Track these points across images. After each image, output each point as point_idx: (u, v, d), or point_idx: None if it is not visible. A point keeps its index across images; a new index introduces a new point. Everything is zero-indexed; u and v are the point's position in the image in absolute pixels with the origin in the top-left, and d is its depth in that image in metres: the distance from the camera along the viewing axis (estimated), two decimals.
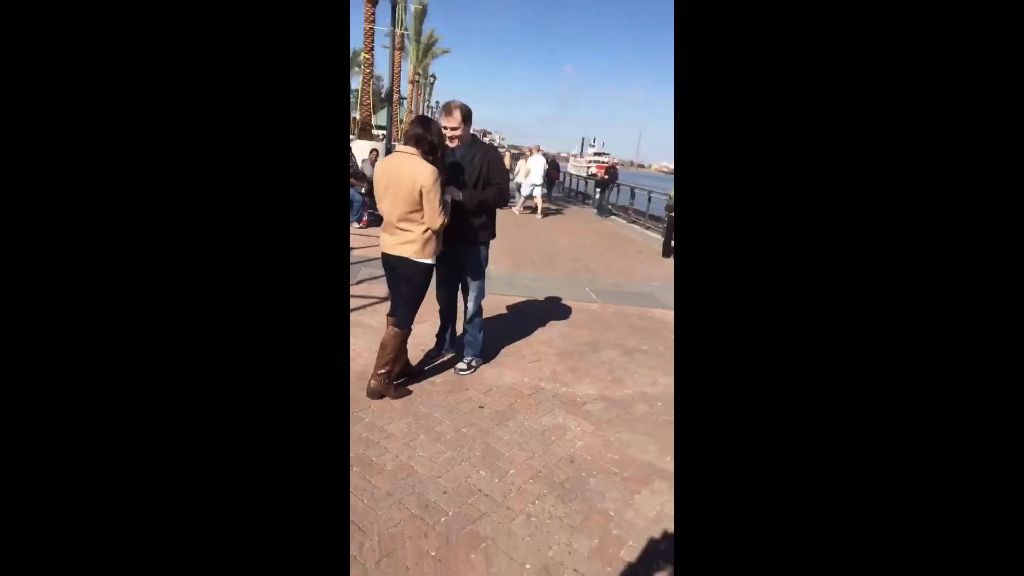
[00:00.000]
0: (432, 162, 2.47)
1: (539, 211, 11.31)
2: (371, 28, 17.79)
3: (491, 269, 5.60)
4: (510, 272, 5.71)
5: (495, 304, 4.45)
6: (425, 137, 2.47)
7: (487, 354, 3.28)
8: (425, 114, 2.90)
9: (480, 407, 2.71)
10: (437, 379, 2.98)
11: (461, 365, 3.09)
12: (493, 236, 2.98)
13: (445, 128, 2.74)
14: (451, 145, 2.77)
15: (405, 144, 2.51)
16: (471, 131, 2.90)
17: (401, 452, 2.23)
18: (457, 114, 2.71)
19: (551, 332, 3.99)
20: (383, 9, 17.49)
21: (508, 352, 3.48)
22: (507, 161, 12.04)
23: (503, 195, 2.88)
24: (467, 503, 1.96)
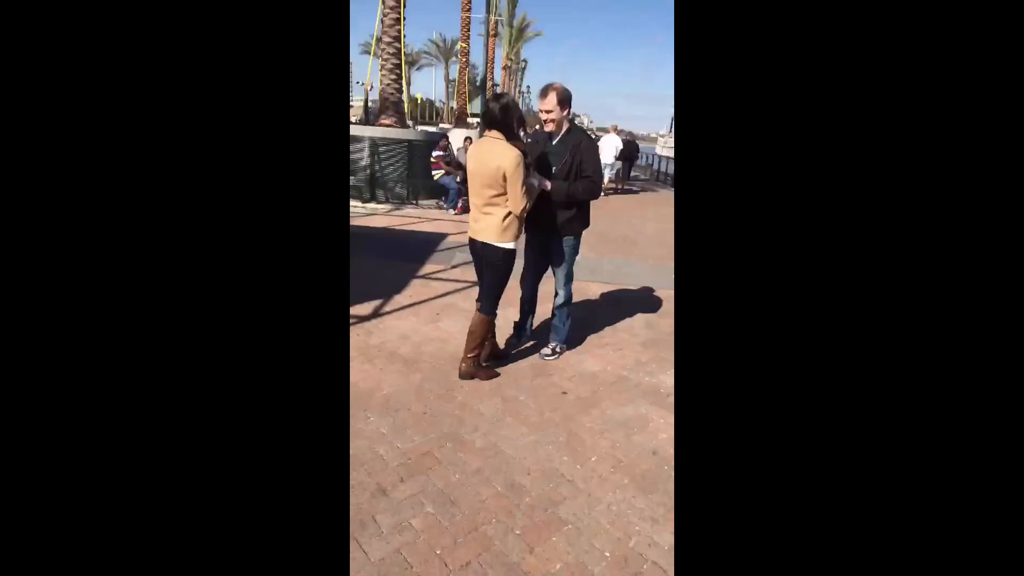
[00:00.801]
0: (517, 145, 2.45)
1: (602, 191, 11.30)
2: (467, 17, 18.13)
3: (601, 259, 5.63)
4: (595, 258, 5.67)
5: (579, 290, 4.46)
6: (502, 116, 2.44)
7: (572, 342, 3.33)
8: (507, 95, 2.78)
9: (564, 393, 2.78)
10: (523, 363, 3.08)
11: (546, 350, 3.16)
12: (586, 226, 2.95)
13: (540, 111, 2.71)
14: (547, 129, 2.73)
15: (488, 127, 2.52)
16: (568, 115, 2.75)
17: (489, 432, 2.37)
18: (552, 96, 2.61)
19: (636, 320, 3.94)
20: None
21: (592, 340, 3.50)
22: None
23: (594, 189, 2.78)
24: (550, 486, 2.04)
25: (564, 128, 2.75)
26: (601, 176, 2.84)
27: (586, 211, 2.92)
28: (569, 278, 3.05)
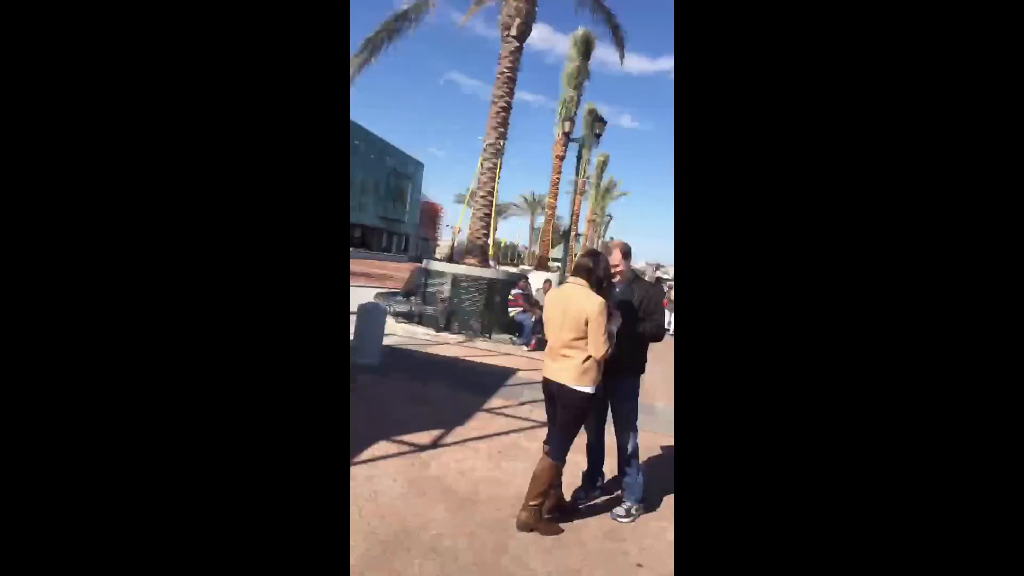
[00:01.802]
0: (600, 294, 2.53)
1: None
2: (557, 178, 20.12)
3: (653, 404, 5.27)
4: (666, 407, 5.24)
5: (656, 443, 4.06)
6: (593, 270, 2.57)
7: (647, 501, 2.92)
8: (596, 248, 3.05)
9: (639, 565, 2.35)
10: (592, 521, 2.71)
11: (619, 511, 2.78)
12: (643, 370, 2.91)
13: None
14: (615, 280, 2.85)
15: (575, 275, 2.62)
16: (631, 267, 3.01)
17: None
18: (616, 252, 2.85)
19: None
20: (569, 161, 19.79)
21: (669, 502, 3.05)
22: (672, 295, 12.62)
23: (659, 330, 2.87)
24: None
25: (629, 278, 2.94)
26: (664, 320, 2.96)
27: (645, 353, 2.92)
28: (634, 426, 2.83)
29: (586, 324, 2.44)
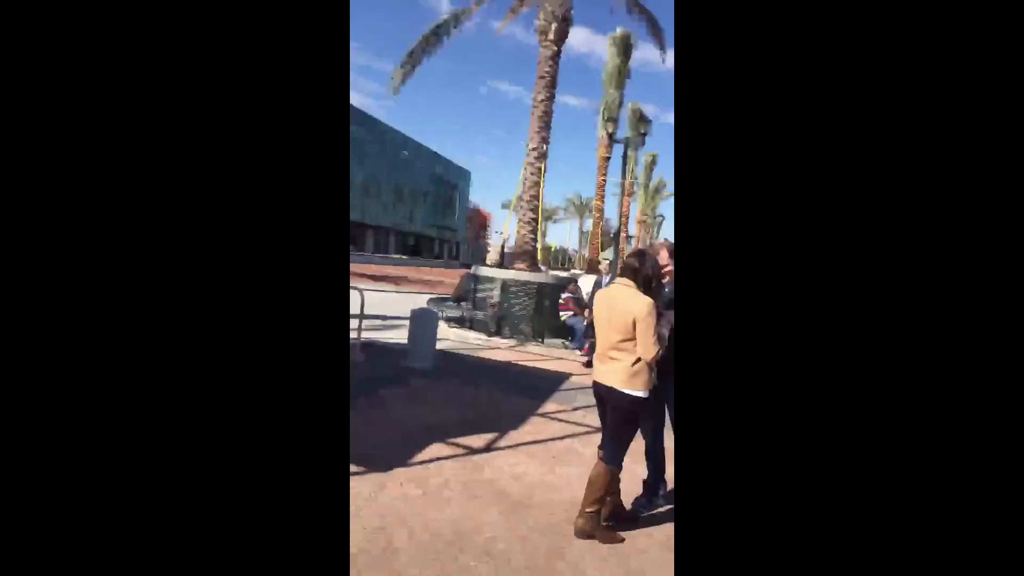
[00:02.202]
0: (648, 294, 2.43)
1: None
2: (603, 180, 19.87)
3: None
4: None
5: None
6: (640, 270, 2.48)
7: None
8: (642, 248, 2.97)
9: None
10: (655, 531, 2.59)
11: None
12: None
13: None
14: (664, 281, 2.75)
15: (621, 276, 2.54)
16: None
17: None
18: (664, 252, 2.78)
19: None
20: (615, 162, 19.50)
21: None
22: None
23: None
24: None
25: (674, 277, 2.82)
26: None
27: None
28: None
29: (634, 325, 2.37)
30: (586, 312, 8.13)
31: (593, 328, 2.74)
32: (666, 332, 2.51)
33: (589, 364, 6.22)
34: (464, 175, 46.87)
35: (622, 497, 2.67)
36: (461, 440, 3.47)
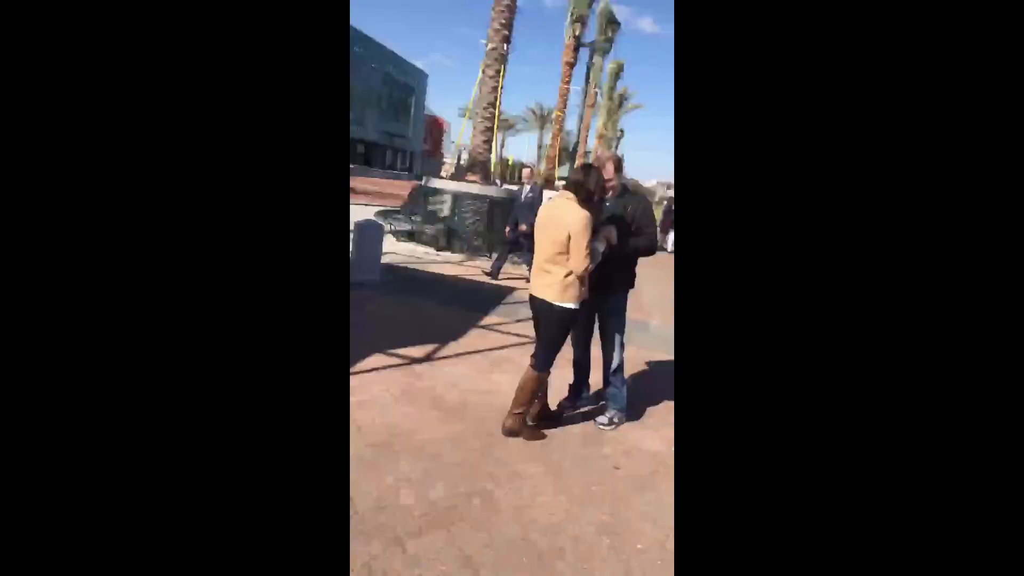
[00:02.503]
0: (588, 209, 2.47)
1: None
2: (566, 88, 19.06)
3: (647, 321, 5.36)
4: (669, 327, 5.33)
5: (644, 358, 4.17)
6: (583, 184, 2.49)
7: (631, 412, 3.05)
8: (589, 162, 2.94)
9: (616, 468, 2.50)
10: (575, 429, 2.85)
11: (602, 419, 2.92)
12: (632, 286, 2.91)
13: None
14: (608, 194, 2.79)
15: (565, 189, 2.55)
16: (623, 181, 2.96)
17: (525, 496, 2.15)
18: (609, 165, 2.78)
19: None
20: (578, 69, 18.63)
21: (653, 413, 3.19)
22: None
23: (653, 244, 2.84)
24: (584, 568, 1.78)
25: (619, 191, 2.88)
26: (656, 234, 2.91)
27: (633, 272, 2.90)
28: (621, 340, 2.89)
29: (569, 239, 2.41)
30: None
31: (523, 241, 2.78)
32: (601, 247, 2.58)
33: (489, 274, 6.39)
34: (420, 77, 43.64)
35: (550, 400, 2.89)
36: (401, 351, 3.59)
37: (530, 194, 6.62)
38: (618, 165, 2.83)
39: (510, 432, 2.63)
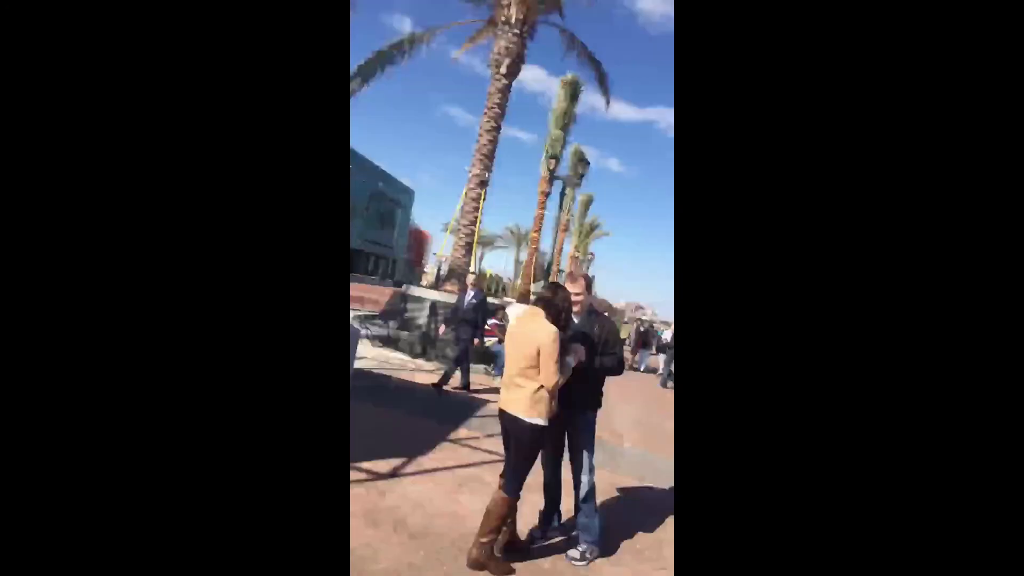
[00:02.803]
0: (555, 323, 2.50)
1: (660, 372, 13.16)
2: (541, 213, 20.42)
3: (619, 446, 5.21)
4: (641, 451, 5.21)
5: (615, 484, 4.01)
6: (551, 300, 2.55)
7: (603, 544, 2.87)
8: (556, 280, 3.07)
9: None
10: (545, 563, 2.64)
11: (574, 553, 2.72)
12: (600, 405, 2.89)
13: (571, 293, 2.82)
14: (575, 310, 2.84)
15: (535, 304, 2.62)
16: (591, 300, 3.10)
17: None
18: (581, 282, 2.90)
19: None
20: (553, 199, 20.16)
21: (627, 547, 3.00)
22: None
23: (620, 363, 2.92)
24: None
25: (587, 309, 2.95)
26: (622, 354, 3.04)
27: (600, 391, 2.91)
28: (590, 464, 2.78)
29: (538, 354, 2.42)
30: None
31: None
32: (572, 362, 2.59)
33: (437, 386, 6.13)
34: (408, 193, 46.21)
35: (520, 527, 2.71)
36: (367, 464, 3.39)
37: (473, 300, 6.72)
38: (588, 284, 2.98)
39: (476, 564, 2.42)
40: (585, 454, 2.78)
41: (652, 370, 13.31)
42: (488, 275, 34.51)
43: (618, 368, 2.87)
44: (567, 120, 19.78)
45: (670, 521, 3.51)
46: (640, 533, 3.22)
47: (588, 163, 18.15)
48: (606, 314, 3.41)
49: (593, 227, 38.20)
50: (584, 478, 2.77)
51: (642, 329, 15.46)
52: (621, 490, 3.98)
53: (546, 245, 20.53)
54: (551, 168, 19.71)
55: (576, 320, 2.87)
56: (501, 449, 4.09)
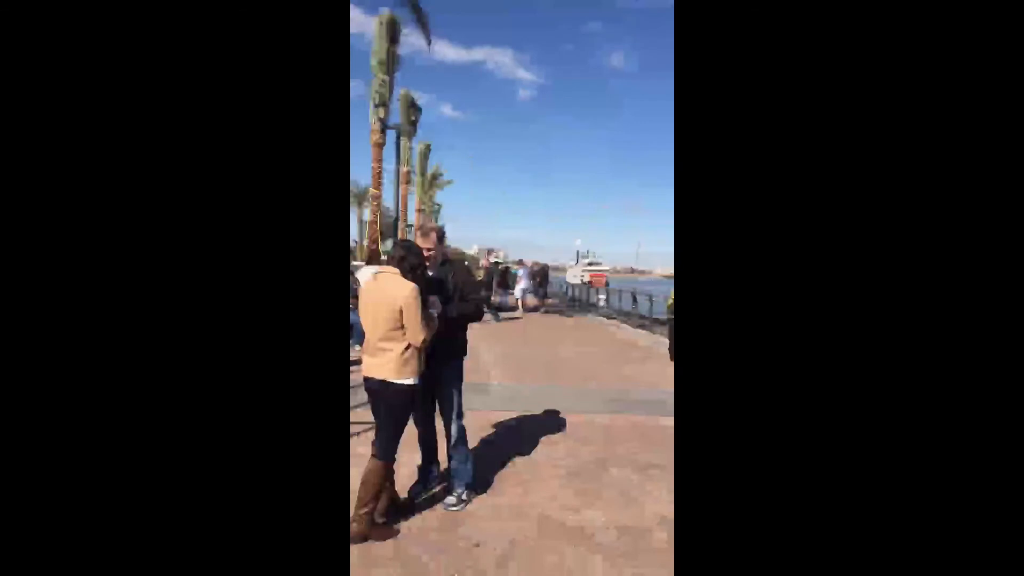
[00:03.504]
0: (413, 279, 2.46)
1: (521, 308, 13.92)
2: (379, 168, 19.38)
3: (487, 383, 5.45)
4: (513, 384, 5.50)
5: (489, 421, 4.19)
6: (405, 258, 2.50)
7: (483, 481, 2.99)
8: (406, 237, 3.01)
9: (476, 545, 2.39)
10: (430, 514, 2.68)
11: (450, 499, 2.78)
12: (465, 353, 2.95)
13: (423, 248, 2.79)
14: (427, 263, 2.81)
15: (388, 264, 2.52)
16: (443, 249, 3.03)
17: None
18: (433, 235, 2.84)
19: (554, 450, 3.69)
20: (389, 150, 19.20)
21: (506, 477, 3.18)
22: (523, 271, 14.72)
23: (479, 309, 2.96)
24: None
25: (439, 260, 2.92)
26: (481, 299, 3.05)
27: (463, 339, 2.94)
28: (459, 412, 2.84)
29: (401, 313, 2.37)
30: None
31: None
32: (435, 313, 2.57)
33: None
34: None
35: (400, 488, 2.69)
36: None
37: None
38: (440, 235, 2.91)
39: (358, 537, 2.35)
40: (454, 401, 2.81)
41: (511, 308, 13.96)
42: None
43: (477, 314, 2.90)
44: (391, 63, 18.64)
45: (544, 443, 3.79)
46: (521, 460, 3.43)
47: (420, 108, 17.47)
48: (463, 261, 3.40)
49: (435, 176, 37.53)
50: (453, 426, 2.81)
51: (500, 270, 16.07)
52: (494, 424, 4.17)
53: (389, 201, 19.65)
54: (381, 117, 18.62)
55: (432, 272, 2.81)
56: (367, 418, 3.98)
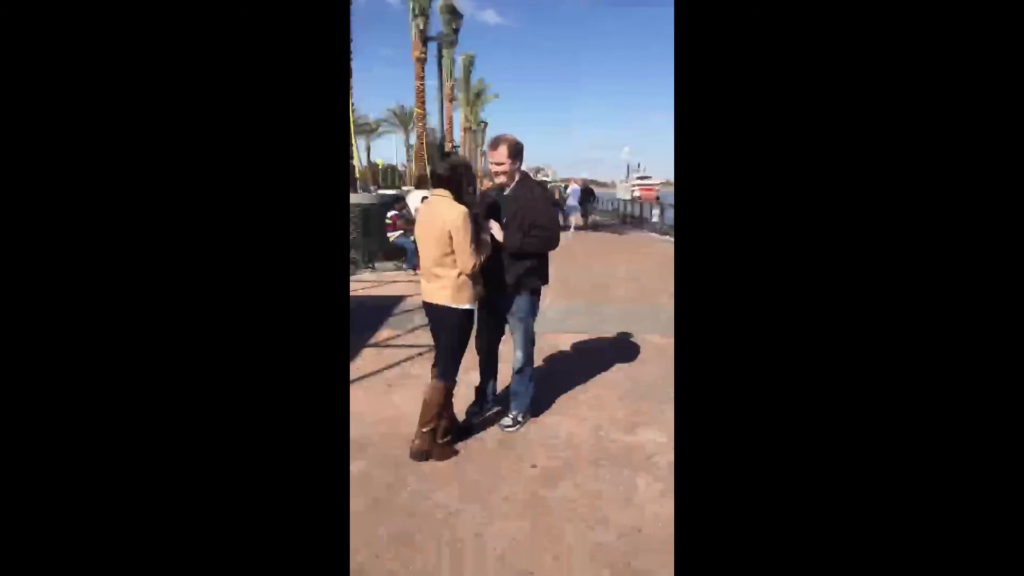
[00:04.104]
0: (465, 202, 2.34)
1: (572, 229, 13.89)
2: (420, 85, 18.70)
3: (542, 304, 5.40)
4: (564, 306, 5.44)
5: (549, 344, 4.18)
6: (452, 178, 2.36)
7: (540, 403, 3.01)
8: (455, 154, 2.87)
9: (532, 466, 2.44)
10: (487, 435, 2.74)
11: (506, 421, 2.81)
12: (544, 282, 2.73)
13: (491, 164, 2.60)
14: (498, 181, 2.62)
15: (436, 187, 2.40)
16: (522, 167, 2.66)
17: (445, 526, 2.00)
18: (503, 148, 2.51)
19: (612, 372, 3.66)
20: (431, 65, 18.36)
21: (565, 400, 3.19)
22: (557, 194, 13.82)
23: (548, 241, 2.60)
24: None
25: (516, 180, 2.62)
26: (556, 226, 2.70)
27: (544, 267, 2.70)
28: (528, 340, 2.75)
29: (450, 237, 2.29)
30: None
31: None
32: (488, 239, 2.45)
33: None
34: None
35: (459, 409, 2.75)
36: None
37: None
38: (513, 149, 2.52)
39: (419, 453, 2.45)
40: (518, 331, 2.72)
41: (565, 228, 13.76)
42: (380, 165, 32.34)
43: (548, 244, 2.58)
44: None
45: (609, 363, 3.76)
46: (580, 384, 3.42)
47: (461, 16, 16.36)
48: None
49: (480, 91, 36.00)
50: (519, 353, 2.75)
51: (558, 189, 15.93)
52: (563, 347, 4.16)
53: (434, 120, 19.04)
54: (421, 28, 17.66)
55: (507, 192, 2.57)
56: (425, 341, 4.08)
